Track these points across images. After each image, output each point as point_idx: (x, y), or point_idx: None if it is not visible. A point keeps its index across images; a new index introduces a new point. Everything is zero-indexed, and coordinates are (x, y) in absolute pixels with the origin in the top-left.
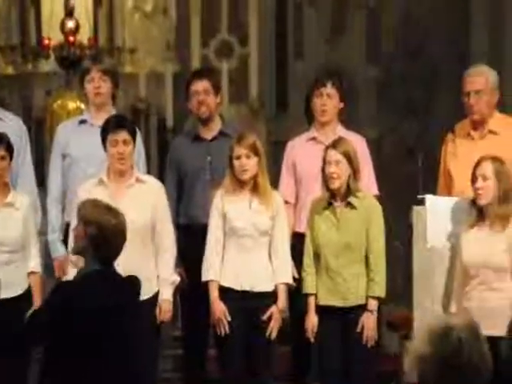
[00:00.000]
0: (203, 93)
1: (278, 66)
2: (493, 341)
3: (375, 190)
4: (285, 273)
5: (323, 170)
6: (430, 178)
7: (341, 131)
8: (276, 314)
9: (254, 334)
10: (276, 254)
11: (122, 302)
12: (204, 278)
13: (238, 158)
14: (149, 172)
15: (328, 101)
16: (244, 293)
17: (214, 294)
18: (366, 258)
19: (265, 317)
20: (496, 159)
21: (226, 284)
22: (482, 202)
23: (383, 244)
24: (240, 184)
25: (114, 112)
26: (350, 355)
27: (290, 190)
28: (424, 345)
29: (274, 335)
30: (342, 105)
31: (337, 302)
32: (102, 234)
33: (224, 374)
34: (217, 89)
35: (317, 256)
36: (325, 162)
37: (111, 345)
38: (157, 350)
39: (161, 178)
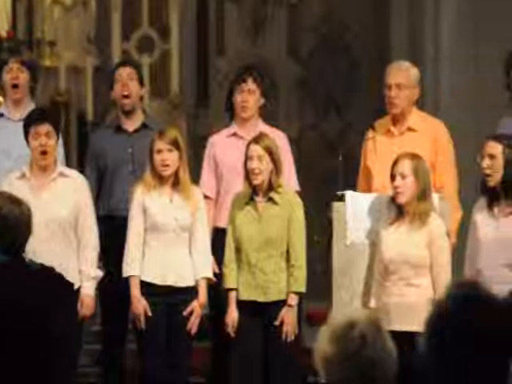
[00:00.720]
0: (127, 77)
1: (200, 62)
2: (412, 336)
3: (296, 186)
4: (205, 268)
5: (245, 165)
6: (350, 175)
7: (262, 127)
8: (196, 309)
9: (174, 328)
10: (196, 250)
11: (31, 293)
12: (125, 274)
13: (159, 152)
14: (68, 165)
15: (249, 97)
16: (166, 288)
17: (135, 289)
18: (287, 253)
19: (186, 312)
20: (414, 156)
21: (147, 279)
22: (401, 200)
23: (304, 239)
24: (161, 179)
25: (32, 106)
26: (270, 350)
27: (211, 186)
28: (327, 345)
29: (194, 330)
30: (262, 101)
31: (258, 297)
32: (4, 223)
33: (143, 369)
34: (141, 79)
35: (238, 251)
36: (247, 157)
37: (19, 341)
38: (78, 347)
39: (81, 171)
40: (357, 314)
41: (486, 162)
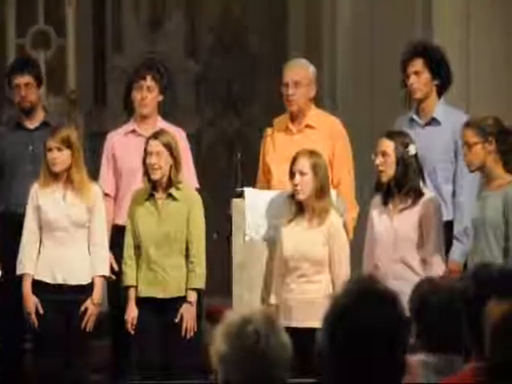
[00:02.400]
0: (25, 87)
1: (97, 58)
2: (312, 332)
3: (195, 183)
4: (102, 265)
5: (144, 160)
6: (250, 171)
7: (160, 123)
8: (91, 307)
9: (70, 326)
10: (94, 247)
11: None
12: (18, 271)
13: (50, 150)
14: None
15: (147, 94)
16: (59, 286)
17: (27, 287)
18: (187, 249)
19: (80, 311)
20: (313, 153)
21: (39, 277)
22: (301, 197)
23: (203, 236)
24: (54, 176)
25: None
26: (169, 347)
27: (110, 183)
28: (222, 343)
29: (89, 328)
30: (161, 98)
31: (157, 294)
32: None
33: (39, 367)
34: (39, 81)
35: (137, 248)
36: (146, 152)
37: None
38: None
39: None
40: (251, 310)
41: (379, 159)
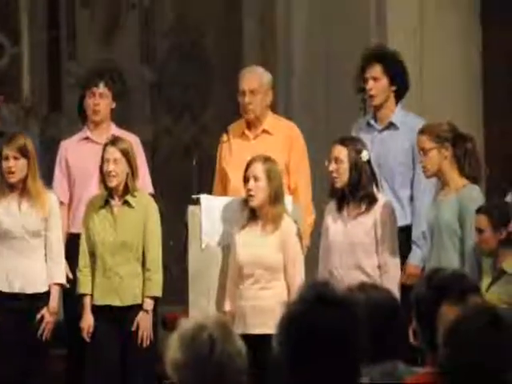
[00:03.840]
0: None
1: (51, 66)
2: (267, 339)
3: (150, 189)
4: (58, 274)
5: (101, 167)
6: (206, 178)
7: (114, 130)
8: (47, 316)
9: (27, 335)
10: (50, 255)
11: None
12: None
13: (6, 159)
14: None
15: (101, 100)
16: (15, 295)
17: None
18: (143, 257)
19: (37, 319)
20: (267, 159)
21: None
22: (254, 202)
23: (160, 243)
24: (9, 185)
25: None
26: (126, 355)
27: (64, 191)
28: (177, 350)
29: (46, 336)
30: (114, 105)
31: (113, 302)
32: None
33: None
34: None
35: (93, 255)
36: (103, 159)
37: None
38: None
39: None
40: (205, 317)
41: (333, 166)
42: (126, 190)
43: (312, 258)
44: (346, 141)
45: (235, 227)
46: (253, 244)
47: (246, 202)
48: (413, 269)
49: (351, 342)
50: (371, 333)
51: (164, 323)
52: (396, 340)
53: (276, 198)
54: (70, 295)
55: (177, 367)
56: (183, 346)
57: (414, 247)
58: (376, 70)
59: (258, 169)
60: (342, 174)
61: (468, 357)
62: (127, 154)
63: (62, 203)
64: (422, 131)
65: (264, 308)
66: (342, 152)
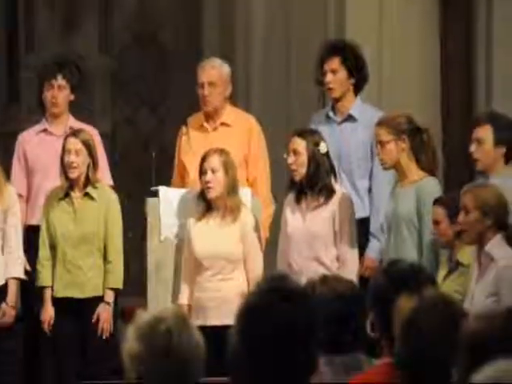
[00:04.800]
0: None
1: (10, 57)
2: (226, 330)
3: (109, 181)
4: (16, 267)
5: (62, 159)
6: (165, 170)
7: (72, 123)
8: (5, 310)
9: None
10: (7, 249)
11: None
12: None
13: None
14: None
15: (59, 93)
16: None
17: None
18: (104, 249)
19: None
20: (223, 151)
21: None
22: (212, 194)
23: (120, 236)
24: None
25: None
26: (86, 346)
27: (22, 183)
28: (134, 342)
29: (5, 329)
30: (72, 96)
31: (74, 294)
32: None
33: None
34: None
35: (53, 248)
36: (64, 150)
37: None
38: None
39: None
40: (163, 310)
41: (291, 158)
42: (87, 181)
43: (271, 250)
44: (305, 133)
45: (191, 219)
46: (211, 236)
47: (201, 194)
48: (370, 261)
49: (306, 335)
50: (336, 324)
51: (123, 315)
52: (358, 331)
53: (233, 189)
54: (28, 288)
55: (134, 359)
56: (141, 338)
57: (371, 239)
58: (334, 63)
59: (216, 161)
60: (300, 166)
61: (423, 348)
62: (88, 146)
63: (20, 195)
64: (379, 123)
65: (224, 299)
66: (300, 144)
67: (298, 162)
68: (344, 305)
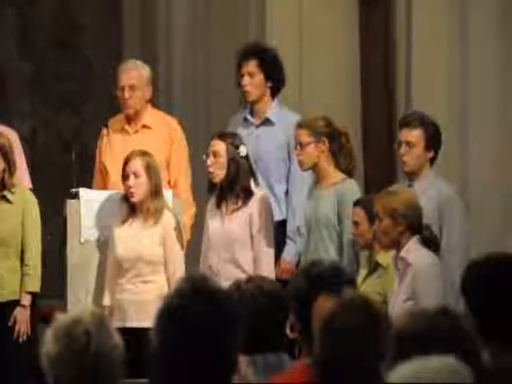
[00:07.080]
0: None
1: None
2: (145, 332)
3: (28, 184)
4: None
5: None
6: (86, 172)
7: None
8: None
9: None
10: None
11: None
12: None
13: None
14: None
15: None
16: None
17: None
18: (22, 252)
19: None
20: (145, 154)
21: None
22: (136, 198)
23: (39, 238)
24: None
25: None
26: (3, 351)
27: None
28: (52, 344)
29: None
30: None
31: None
32: None
33: None
34: None
35: None
36: None
37: None
38: None
39: None
40: (81, 311)
41: (211, 160)
42: (3, 185)
43: (193, 253)
44: (225, 135)
45: (114, 222)
46: (133, 238)
47: (125, 197)
48: (286, 263)
49: (224, 335)
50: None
51: (43, 318)
52: (283, 330)
53: (156, 192)
54: None
55: (52, 361)
56: (59, 340)
57: (288, 242)
58: (251, 66)
59: (138, 165)
60: (219, 168)
61: (341, 348)
62: (5, 150)
63: None
64: (299, 125)
65: (144, 301)
66: (220, 146)
67: (218, 165)
68: (270, 301)
